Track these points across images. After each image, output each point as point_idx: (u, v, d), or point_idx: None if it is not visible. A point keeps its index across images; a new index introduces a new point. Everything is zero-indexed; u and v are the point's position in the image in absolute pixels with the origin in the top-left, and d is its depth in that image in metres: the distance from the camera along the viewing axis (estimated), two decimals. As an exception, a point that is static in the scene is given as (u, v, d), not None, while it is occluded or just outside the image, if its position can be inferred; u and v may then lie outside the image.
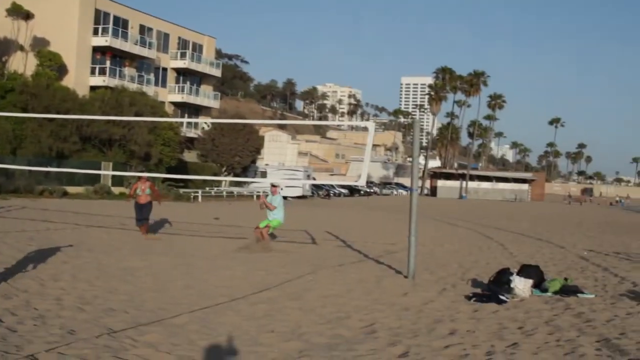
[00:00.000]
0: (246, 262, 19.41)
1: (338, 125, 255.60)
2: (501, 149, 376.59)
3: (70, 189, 52.60)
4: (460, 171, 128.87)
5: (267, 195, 24.26)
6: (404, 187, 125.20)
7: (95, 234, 24.31)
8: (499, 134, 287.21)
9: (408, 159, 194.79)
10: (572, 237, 34.41)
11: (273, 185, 24.92)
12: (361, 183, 19.50)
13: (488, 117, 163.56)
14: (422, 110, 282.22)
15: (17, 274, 15.27)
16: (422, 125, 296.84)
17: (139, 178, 26.26)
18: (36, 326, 10.62)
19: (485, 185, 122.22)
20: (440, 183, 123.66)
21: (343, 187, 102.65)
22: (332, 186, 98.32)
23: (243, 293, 14.66)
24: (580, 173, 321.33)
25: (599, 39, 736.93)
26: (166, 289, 14.80)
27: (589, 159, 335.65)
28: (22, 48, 68.35)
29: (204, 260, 19.40)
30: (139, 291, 14.39)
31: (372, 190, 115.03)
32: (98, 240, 20.60)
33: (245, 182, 77.36)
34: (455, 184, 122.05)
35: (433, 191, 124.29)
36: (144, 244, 23.02)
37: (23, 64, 67.84)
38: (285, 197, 73.35)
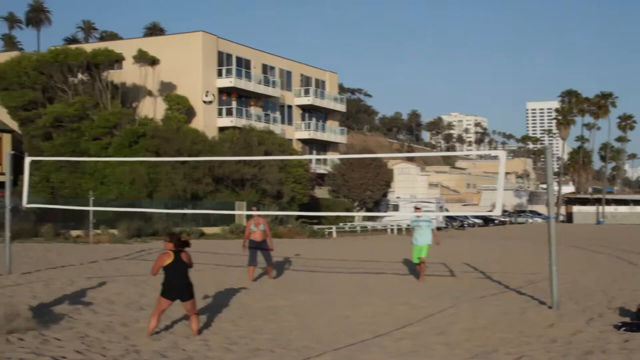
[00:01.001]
0: (387, 297, 19.30)
1: (467, 155, 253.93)
2: (636, 171, 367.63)
3: (207, 230, 53.36)
4: (595, 196, 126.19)
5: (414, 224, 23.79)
6: (538, 214, 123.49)
7: (234, 274, 24.45)
8: (633, 156, 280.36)
9: (540, 185, 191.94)
10: None
11: (416, 208, 24.66)
12: (497, 213, 19.24)
13: (619, 139, 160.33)
14: (551, 135, 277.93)
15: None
16: (552, 150, 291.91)
17: (251, 215, 24.54)
18: (186, 368, 10.75)
19: (622, 209, 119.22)
20: (576, 209, 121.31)
21: (477, 217, 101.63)
22: (466, 217, 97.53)
23: (386, 329, 14.57)
24: None
25: None
26: (310, 327, 14.81)
27: None
28: (150, 93, 70.07)
29: (345, 296, 19.36)
30: (283, 330, 14.44)
31: (506, 219, 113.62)
32: (237, 280, 20.76)
33: (377, 216, 77.32)
34: (591, 209, 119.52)
35: (569, 217, 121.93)
36: (284, 283, 23.08)
37: (152, 109, 69.50)
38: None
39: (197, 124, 70.67)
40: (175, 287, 13.61)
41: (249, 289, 20.36)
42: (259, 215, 24.24)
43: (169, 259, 13.59)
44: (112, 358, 11.15)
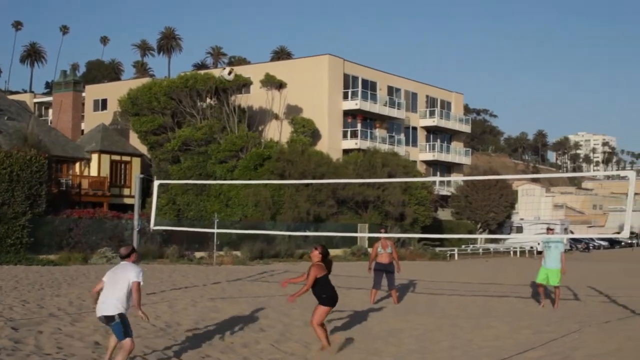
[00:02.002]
0: (510, 320, 19.12)
1: (594, 176, 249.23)
2: None
3: (329, 251, 53.54)
4: None
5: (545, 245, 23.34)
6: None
7: (356, 296, 24.55)
8: None
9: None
10: None
11: (549, 229, 24.26)
12: (625, 235, 18.91)
13: None
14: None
15: (284, 337, 15.72)
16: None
17: (379, 238, 24.53)
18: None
19: None
20: None
21: (602, 239, 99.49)
22: (591, 239, 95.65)
23: (508, 353, 14.47)
24: None
25: None
26: (431, 351, 14.81)
27: None
28: (276, 116, 70.86)
29: (467, 319, 19.27)
30: (402, 353, 14.48)
31: (634, 241, 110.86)
32: (359, 302, 20.87)
33: (500, 239, 76.52)
34: None
35: None
36: (404, 304, 23.08)
37: (278, 132, 70.31)
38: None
39: (322, 146, 71.18)
40: (335, 294, 14.62)
41: (370, 312, 20.43)
42: (386, 238, 24.23)
43: (322, 271, 14.47)
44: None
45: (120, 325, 11.53)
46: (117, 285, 11.73)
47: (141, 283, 11.84)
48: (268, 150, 62.86)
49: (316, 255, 14.61)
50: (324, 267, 14.50)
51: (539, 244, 71.67)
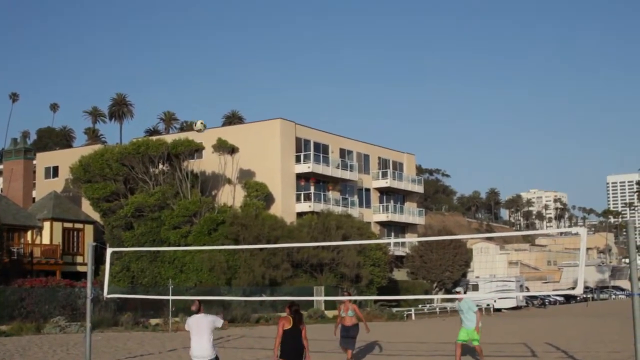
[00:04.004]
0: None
1: (547, 233, 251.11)
2: None
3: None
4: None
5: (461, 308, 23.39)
6: (621, 289, 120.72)
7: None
8: None
9: (623, 260, 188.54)
10: None
11: (457, 291, 24.53)
12: (578, 291, 18.96)
13: None
14: (632, 208, 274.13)
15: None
16: (635, 223, 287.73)
17: (341, 301, 25.15)
18: None
19: None
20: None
21: (558, 295, 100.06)
22: (547, 295, 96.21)
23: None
24: None
25: None
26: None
27: None
28: (229, 181, 70.80)
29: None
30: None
31: (589, 296, 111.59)
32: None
33: (456, 298, 76.66)
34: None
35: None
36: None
37: (231, 196, 70.17)
38: (499, 309, 71.97)
39: (276, 209, 71.15)
40: (292, 349, 15.00)
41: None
42: (350, 301, 24.35)
43: (289, 324, 15.01)
44: None
45: None
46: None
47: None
48: (222, 215, 62.73)
49: (286, 310, 15.29)
50: (289, 321, 15.03)
51: (495, 301, 72.23)
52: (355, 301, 26.31)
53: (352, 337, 23.57)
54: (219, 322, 15.90)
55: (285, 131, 75.78)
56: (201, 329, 15.38)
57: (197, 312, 15.69)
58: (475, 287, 78.60)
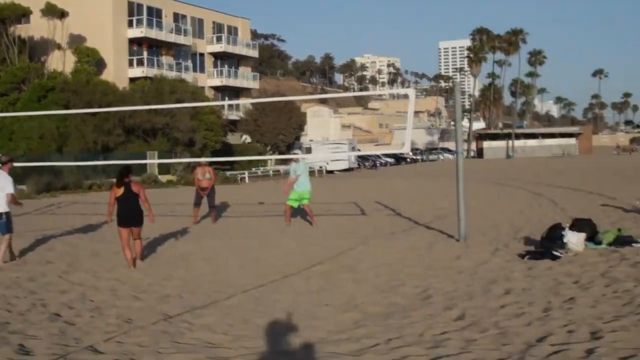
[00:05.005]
0: (299, 238, 19.43)
1: (379, 95, 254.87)
2: (545, 105, 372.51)
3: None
4: (505, 131, 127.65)
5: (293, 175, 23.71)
6: (449, 151, 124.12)
7: (145, 222, 24.46)
8: (542, 90, 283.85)
9: (452, 123, 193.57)
10: (623, 188, 33.96)
11: (293, 160, 25.12)
12: (405, 150, 19.37)
13: (530, 74, 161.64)
14: (463, 73, 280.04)
15: (72, 268, 15.43)
16: (464, 88, 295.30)
17: (199, 164, 26.27)
18: (93, 317, 10.74)
19: (531, 142, 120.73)
20: (487, 144, 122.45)
21: (389, 156, 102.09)
22: (378, 156, 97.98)
23: (297, 269, 14.71)
24: (628, 122, 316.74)
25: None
26: (220, 272, 14.88)
27: (635, 108, 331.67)
28: (59, 47, 68.80)
29: (256, 240, 19.42)
30: (192, 276, 14.48)
31: (418, 157, 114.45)
32: (148, 230, 20.61)
33: (290, 159, 77.30)
34: (501, 144, 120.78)
35: (480, 153, 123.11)
36: (196, 229, 23.07)
37: (62, 62, 68.31)
38: (331, 171, 72.81)
39: (108, 75, 69.83)
40: (128, 215, 15.14)
41: (161, 237, 20.29)
42: (206, 164, 25.76)
43: (120, 191, 15.09)
44: (18, 313, 11.05)
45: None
46: None
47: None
48: (52, 82, 61.02)
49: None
50: (121, 187, 15.21)
51: (327, 163, 73.28)
52: (210, 164, 27.40)
53: (211, 200, 24.90)
54: (10, 187, 16.73)
55: (116, -6, 73.79)
56: None
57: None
58: (309, 150, 79.35)
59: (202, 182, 24.71)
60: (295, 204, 23.12)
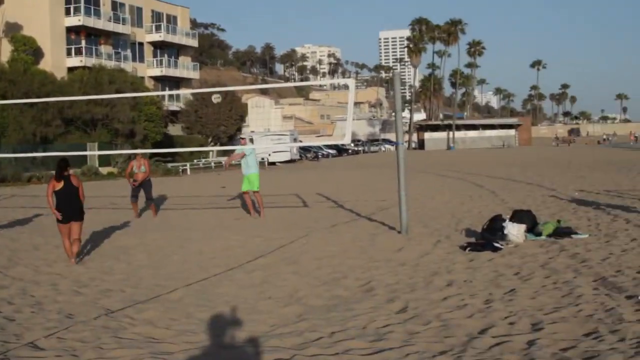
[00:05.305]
0: (241, 230, 19.40)
1: (320, 85, 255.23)
2: (485, 96, 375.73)
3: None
4: (446, 122, 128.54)
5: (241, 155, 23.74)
6: (391, 142, 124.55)
7: (85, 216, 24.28)
8: (482, 81, 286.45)
9: (393, 114, 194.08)
10: (562, 179, 34.44)
11: (241, 138, 25.05)
12: (346, 141, 19.46)
13: (469, 65, 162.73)
14: (403, 63, 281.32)
15: (12, 263, 15.23)
16: (404, 78, 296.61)
17: (135, 156, 25.72)
18: (34, 313, 10.61)
19: (472, 134, 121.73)
20: (427, 135, 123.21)
21: (330, 147, 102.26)
22: (320, 147, 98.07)
23: (239, 262, 14.69)
24: (566, 114, 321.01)
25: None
26: (162, 265, 14.79)
27: (573, 99, 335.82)
28: (-5, 35, 67.99)
29: (199, 232, 19.36)
30: (134, 269, 14.39)
31: (360, 149, 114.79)
32: (89, 222, 20.44)
33: (231, 151, 76.99)
34: (442, 135, 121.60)
35: (421, 144, 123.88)
36: (137, 222, 22.93)
37: (-2, 51, 67.49)
38: (273, 163, 72.73)
39: (46, 65, 69.09)
40: (68, 209, 14.73)
41: (102, 230, 20.13)
42: (142, 156, 25.16)
43: (59, 185, 14.69)
44: (-45, 308, 10.90)
45: None
46: None
47: None
48: (-13, 71, 60.16)
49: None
50: (55, 181, 14.84)
51: (269, 155, 73.18)
52: (146, 156, 26.93)
53: (148, 187, 24.62)
54: None
55: (53, -18, 72.92)
56: None
57: None
58: (251, 141, 79.13)
59: (138, 175, 24.47)
60: (248, 188, 23.08)
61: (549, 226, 15.93)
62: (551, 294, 10.44)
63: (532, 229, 15.93)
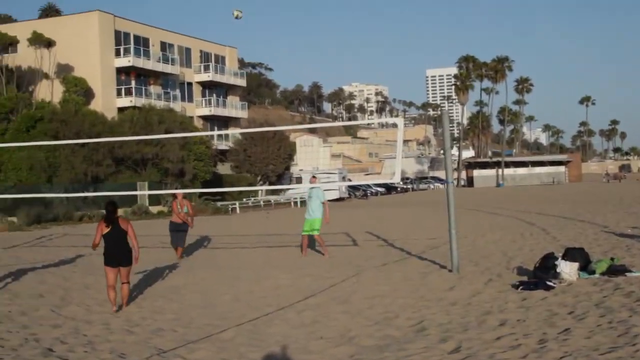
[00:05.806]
0: (291, 270, 19.34)
1: (368, 124, 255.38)
2: (534, 133, 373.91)
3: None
4: (494, 159, 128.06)
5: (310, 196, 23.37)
6: (440, 180, 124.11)
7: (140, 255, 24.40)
8: (530, 118, 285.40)
9: (441, 151, 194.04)
10: (614, 216, 34.05)
11: (313, 176, 24.52)
12: (396, 180, 19.42)
13: (517, 102, 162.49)
14: (450, 101, 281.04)
15: (64, 302, 15.32)
16: (452, 116, 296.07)
17: (175, 196, 25.08)
18: (87, 352, 10.65)
19: (521, 171, 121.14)
20: (476, 173, 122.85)
21: (379, 185, 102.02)
22: (369, 185, 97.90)
23: (290, 301, 14.64)
24: (616, 150, 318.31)
25: (618, 11, 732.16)
26: (213, 305, 14.79)
27: (623, 135, 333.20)
28: (47, 76, 68.89)
29: (249, 271, 19.33)
30: (185, 309, 14.40)
31: (409, 186, 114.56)
32: (140, 261, 20.56)
33: (281, 190, 77.20)
34: (491, 172, 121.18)
35: (470, 181, 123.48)
36: (187, 261, 22.98)
37: (50, 92, 68.39)
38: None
39: (96, 105, 69.87)
40: (116, 253, 14.35)
41: (152, 270, 20.19)
42: (183, 196, 24.67)
43: (107, 227, 14.35)
44: (10, 348, 10.96)
45: None
46: None
47: None
48: (40, 112, 60.96)
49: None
50: (104, 225, 14.52)
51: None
52: (187, 197, 26.58)
53: (184, 231, 23.93)
54: None
55: (103, 24, 73.94)
56: None
57: None
58: (299, 180, 79.30)
59: (180, 215, 23.86)
60: (309, 232, 22.88)
61: (603, 264, 15.71)
62: (606, 333, 10.29)
63: (585, 267, 15.72)
